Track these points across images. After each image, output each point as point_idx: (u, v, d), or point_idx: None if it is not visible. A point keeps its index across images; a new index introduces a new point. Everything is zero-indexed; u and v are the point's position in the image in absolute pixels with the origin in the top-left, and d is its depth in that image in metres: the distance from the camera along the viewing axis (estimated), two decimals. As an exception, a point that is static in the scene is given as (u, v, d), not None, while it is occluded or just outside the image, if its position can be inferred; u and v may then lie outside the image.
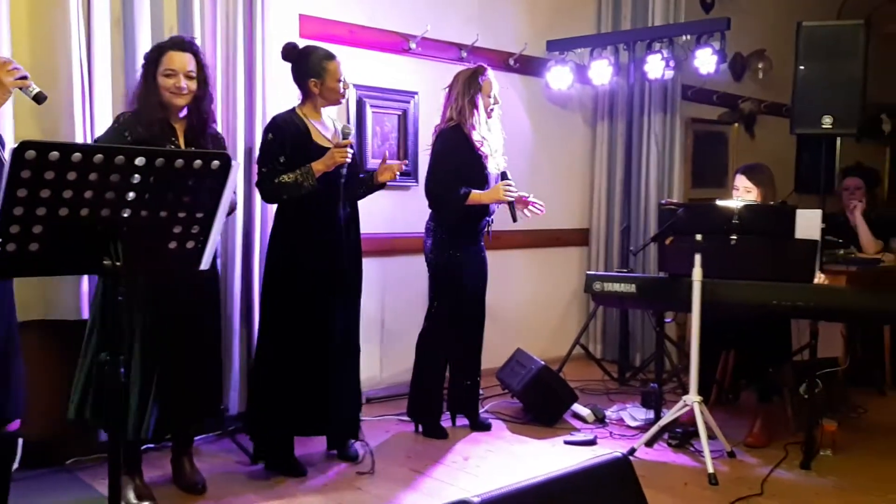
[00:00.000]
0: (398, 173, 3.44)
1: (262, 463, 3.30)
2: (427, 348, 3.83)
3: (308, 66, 3.25)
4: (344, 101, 3.37)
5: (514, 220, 3.75)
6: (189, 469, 3.11)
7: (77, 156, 1.75)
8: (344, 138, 3.24)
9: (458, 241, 3.72)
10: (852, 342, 4.41)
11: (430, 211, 3.81)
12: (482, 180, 3.71)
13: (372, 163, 4.36)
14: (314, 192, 3.16)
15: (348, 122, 4.28)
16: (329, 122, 3.39)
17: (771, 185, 4.01)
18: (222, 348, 3.58)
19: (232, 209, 3.24)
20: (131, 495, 2.89)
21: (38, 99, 2.35)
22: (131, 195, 1.86)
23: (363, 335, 3.58)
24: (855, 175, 5.13)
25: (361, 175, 3.49)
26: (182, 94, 2.86)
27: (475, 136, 3.65)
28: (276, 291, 3.26)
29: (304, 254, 3.22)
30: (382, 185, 3.47)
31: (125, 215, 1.87)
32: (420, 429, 3.87)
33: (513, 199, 3.68)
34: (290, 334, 3.23)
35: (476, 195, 3.64)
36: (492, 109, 3.73)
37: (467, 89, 3.66)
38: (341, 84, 3.27)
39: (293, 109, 3.30)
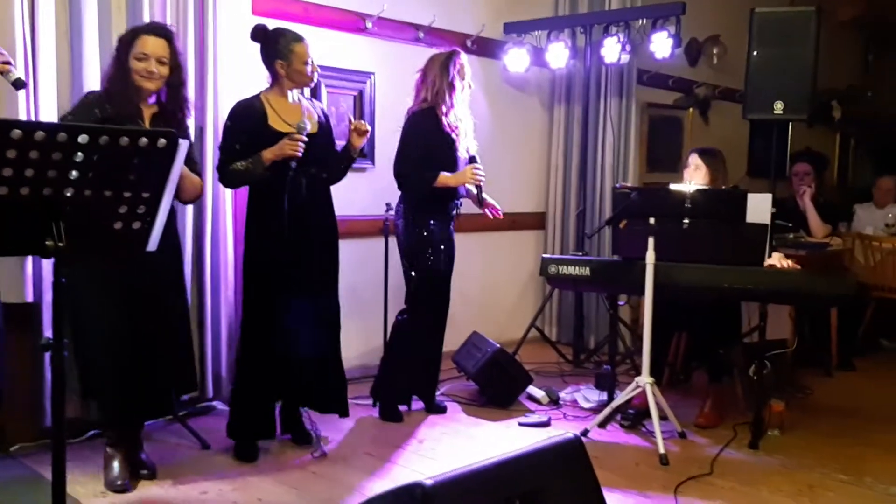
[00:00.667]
0: (366, 131, 3.36)
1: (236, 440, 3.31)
2: (404, 332, 3.80)
3: (276, 48, 3.20)
4: (313, 84, 3.32)
5: (480, 204, 3.74)
6: (140, 455, 3.06)
7: (17, 133, 1.70)
8: (298, 132, 3.17)
9: (428, 223, 3.69)
10: (800, 324, 4.51)
11: (399, 193, 3.78)
12: (452, 163, 3.68)
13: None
14: (272, 180, 3.13)
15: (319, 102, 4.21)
16: (302, 105, 3.32)
17: (723, 169, 4.07)
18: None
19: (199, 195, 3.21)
20: (112, 473, 2.90)
21: (17, 84, 2.36)
22: (74, 174, 1.81)
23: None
24: (804, 160, 5.23)
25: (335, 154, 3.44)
26: (152, 78, 2.84)
27: (449, 119, 3.64)
28: (246, 274, 3.31)
29: (261, 240, 3.24)
30: (359, 152, 3.43)
31: (68, 194, 1.82)
32: (378, 409, 3.86)
33: (481, 181, 3.66)
34: (259, 315, 3.25)
35: (444, 178, 3.62)
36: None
37: (446, 72, 3.64)
38: (309, 66, 3.23)
39: (258, 94, 3.26)
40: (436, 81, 3.65)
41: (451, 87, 3.65)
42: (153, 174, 1.92)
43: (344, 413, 3.50)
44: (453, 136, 3.68)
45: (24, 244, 1.92)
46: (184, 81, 2.99)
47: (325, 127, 3.36)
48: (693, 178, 3.96)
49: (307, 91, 3.43)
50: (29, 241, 1.86)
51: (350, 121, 3.39)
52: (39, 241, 1.82)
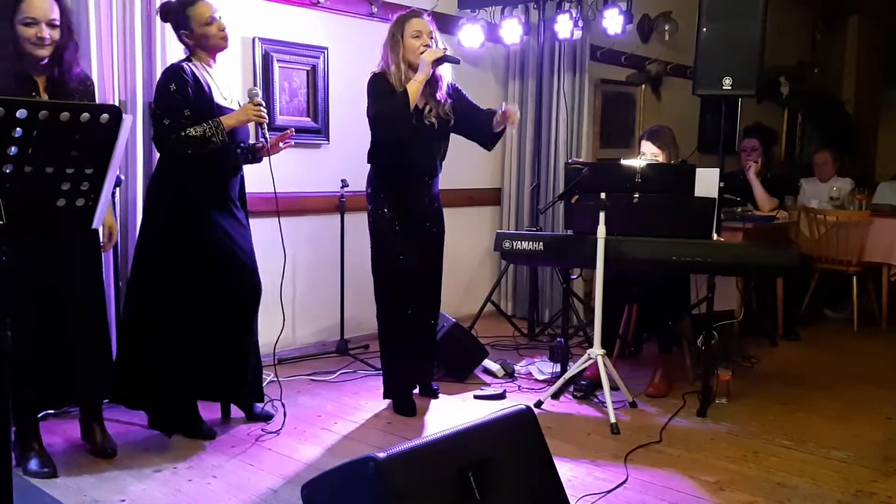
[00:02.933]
0: (285, 142, 3.28)
1: (158, 430, 3.19)
2: (385, 322, 3.64)
3: (176, 19, 3.08)
4: (226, 44, 3.13)
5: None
6: (100, 435, 3.03)
7: (-49, 108, 1.65)
8: (250, 100, 3.09)
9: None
10: (747, 295, 4.63)
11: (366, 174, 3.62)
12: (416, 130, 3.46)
13: (281, 119, 4.27)
14: (211, 156, 3.03)
15: (254, 79, 4.16)
16: (223, 83, 3.21)
17: (674, 146, 4.15)
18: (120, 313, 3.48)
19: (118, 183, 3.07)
20: (33, 464, 2.81)
21: None
22: (13, 150, 1.77)
23: (272, 296, 3.51)
24: (752, 136, 5.33)
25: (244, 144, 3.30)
26: (45, 44, 2.63)
27: (394, 80, 3.41)
28: (152, 255, 3.11)
29: (182, 214, 3.09)
30: (260, 160, 3.31)
31: (7, 171, 1.78)
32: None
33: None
34: (165, 294, 3.10)
35: (414, 87, 3.34)
36: (423, 52, 3.37)
37: (389, 35, 3.46)
38: (213, 27, 3.05)
39: (188, 59, 3.10)
40: (384, 47, 3.48)
41: (393, 46, 3.43)
42: (96, 150, 1.89)
43: (259, 399, 3.42)
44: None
45: (-36, 222, 1.87)
46: (76, 43, 2.77)
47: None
48: None
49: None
50: (-32, 219, 1.82)
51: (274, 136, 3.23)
52: (-21, 219, 1.79)
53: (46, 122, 1.77)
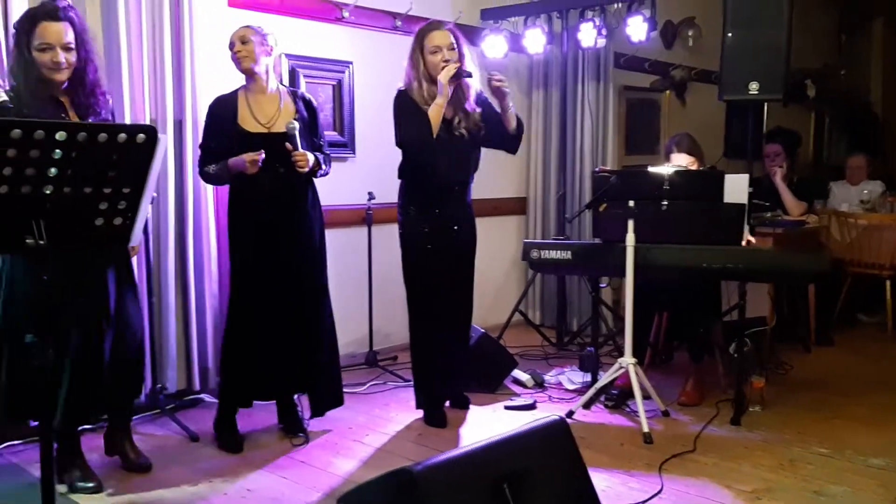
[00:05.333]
0: (306, 164, 3.24)
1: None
2: (416, 334, 3.66)
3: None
4: (241, 69, 3.20)
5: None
6: (130, 450, 3.06)
7: (-7, 131, 1.69)
8: (289, 138, 3.15)
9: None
10: (779, 302, 4.58)
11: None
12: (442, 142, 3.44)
13: (307, 134, 4.31)
14: (264, 173, 3.15)
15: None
16: (287, 101, 3.29)
17: (699, 151, 4.14)
18: (154, 329, 3.53)
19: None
20: (77, 479, 2.84)
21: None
22: (53, 171, 1.80)
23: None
24: (774, 141, 5.27)
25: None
26: (61, 69, 2.65)
27: (422, 96, 3.40)
28: (234, 268, 3.34)
29: (237, 233, 3.29)
30: (315, 175, 3.35)
31: (47, 192, 1.81)
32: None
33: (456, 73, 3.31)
34: (246, 308, 3.28)
35: (434, 111, 3.33)
36: (444, 66, 3.34)
37: (410, 52, 3.45)
38: (233, 51, 3.19)
39: (237, 90, 3.26)
40: (407, 62, 3.47)
41: (414, 63, 3.43)
42: (133, 169, 1.92)
43: (339, 402, 3.52)
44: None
45: (5, 242, 1.91)
46: (92, 63, 2.75)
47: (303, 119, 3.29)
48: None
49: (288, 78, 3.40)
50: (10, 240, 1.85)
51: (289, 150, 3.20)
52: (20, 239, 1.82)
53: (85, 144, 1.80)
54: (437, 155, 3.40)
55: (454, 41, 3.41)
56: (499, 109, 3.57)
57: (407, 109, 3.40)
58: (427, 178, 3.48)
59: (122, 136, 1.86)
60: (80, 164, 1.82)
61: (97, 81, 2.78)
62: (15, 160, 1.73)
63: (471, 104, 3.48)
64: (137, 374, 3.02)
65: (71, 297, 2.62)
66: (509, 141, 3.62)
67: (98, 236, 1.97)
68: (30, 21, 2.63)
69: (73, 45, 2.67)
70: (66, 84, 2.71)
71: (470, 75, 3.41)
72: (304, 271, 3.34)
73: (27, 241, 1.81)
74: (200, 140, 3.31)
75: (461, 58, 3.41)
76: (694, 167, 4.02)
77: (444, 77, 3.31)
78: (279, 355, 3.31)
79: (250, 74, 3.21)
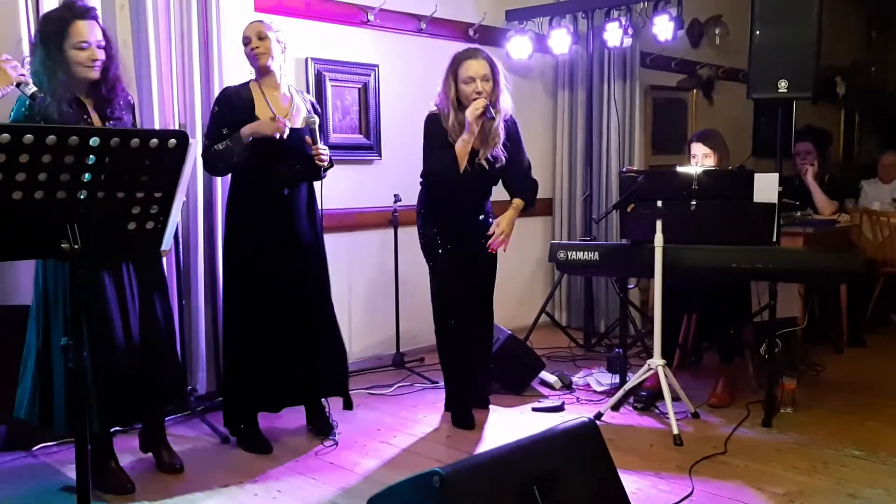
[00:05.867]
0: (322, 156, 3.25)
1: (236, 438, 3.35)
2: (441, 337, 3.67)
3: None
4: (259, 65, 3.18)
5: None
6: (164, 450, 3.10)
7: (29, 137, 1.71)
8: (309, 132, 3.19)
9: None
10: (810, 302, 4.52)
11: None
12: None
13: (334, 137, 4.33)
14: (260, 169, 3.13)
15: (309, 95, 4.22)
16: (297, 99, 3.31)
17: (725, 149, 4.10)
18: (185, 331, 3.56)
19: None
20: (111, 482, 2.88)
21: (34, 97, 2.38)
22: (87, 176, 1.82)
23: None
24: (805, 139, 5.21)
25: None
26: (96, 67, 2.69)
27: (445, 121, 3.41)
28: (232, 269, 3.28)
29: (250, 231, 3.22)
30: (321, 177, 3.34)
31: (81, 197, 1.84)
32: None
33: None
34: (249, 309, 3.24)
35: (461, 147, 3.36)
36: (475, 99, 3.32)
37: (445, 74, 3.43)
38: (248, 47, 3.19)
39: (247, 82, 3.25)
40: (442, 83, 3.44)
41: (445, 92, 3.41)
42: (165, 174, 1.94)
43: (347, 400, 3.50)
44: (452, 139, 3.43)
45: (40, 247, 1.94)
46: (115, 59, 2.78)
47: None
48: (704, 165, 3.97)
49: (296, 81, 3.39)
50: (45, 244, 1.88)
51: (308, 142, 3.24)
52: (55, 244, 1.85)
53: (118, 149, 1.82)
54: (459, 186, 3.43)
55: (490, 71, 3.38)
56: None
57: (436, 138, 3.42)
58: (444, 196, 3.53)
59: (154, 141, 1.88)
60: (114, 169, 1.85)
61: (119, 77, 2.81)
62: (50, 166, 1.75)
63: (498, 133, 3.44)
64: (172, 377, 3.03)
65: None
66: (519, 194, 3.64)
67: (130, 240, 2.00)
68: (61, 21, 2.65)
69: (104, 44, 2.72)
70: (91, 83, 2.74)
71: (493, 118, 3.37)
72: (312, 270, 3.34)
73: (62, 245, 1.83)
74: (204, 134, 3.22)
75: (496, 85, 3.39)
76: (710, 159, 3.98)
77: (471, 115, 3.29)
78: (295, 359, 3.30)
79: (266, 72, 3.21)
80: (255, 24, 3.22)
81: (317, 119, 3.27)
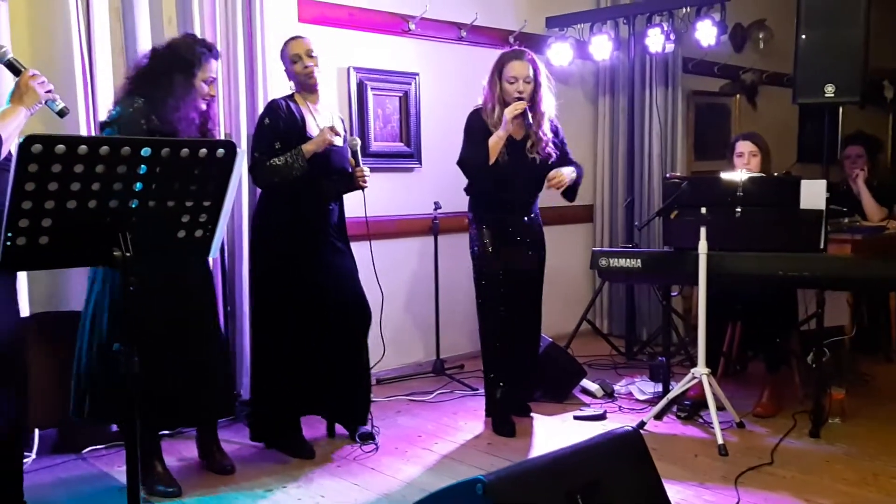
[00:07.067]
0: (365, 177, 3.33)
1: (263, 443, 3.38)
2: (485, 344, 3.69)
3: (282, 54, 3.29)
4: (310, 82, 3.25)
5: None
6: (218, 453, 3.17)
7: (83, 148, 1.76)
8: (352, 154, 3.25)
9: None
10: (858, 310, 4.43)
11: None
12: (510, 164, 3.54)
13: (375, 145, 4.37)
14: (306, 182, 3.16)
15: (349, 108, 4.26)
16: (329, 118, 3.35)
17: (768, 151, 4.04)
18: (228, 337, 3.61)
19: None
20: (158, 484, 2.93)
21: (62, 113, 2.40)
22: (138, 186, 1.87)
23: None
24: (856, 143, 5.11)
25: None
26: (211, 102, 2.95)
27: (488, 117, 3.51)
28: (264, 278, 3.31)
29: (285, 247, 3.24)
30: (361, 188, 3.38)
31: (133, 206, 1.88)
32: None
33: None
34: (282, 318, 3.26)
35: (494, 141, 3.43)
36: (518, 98, 3.41)
37: (490, 73, 3.52)
38: (299, 65, 3.21)
39: (291, 95, 3.29)
40: (487, 81, 3.54)
41: (491, 90, 3.51)
42: (213, 183, 1.98)
43: (363, 422, 3.48)
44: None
45: (93, 255, 1.98)
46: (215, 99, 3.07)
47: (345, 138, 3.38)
48: (749, 165, 3.92)
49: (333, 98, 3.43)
50: (97, 252, 1.93)
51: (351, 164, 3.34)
52: (107, 252, 1.89)
53: (168, 159, 1.87)
54: (498, 177, 3.48)
55: (532, 73, 3.46)
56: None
57: (475, 131, 3.53)
58: (493, 197, 3.57)
59: (203, 151, 1.92)
60: (164, 178, 1.89)
61: (214, 117, 3.07)
62: (103, 175, 1.80)
63: (543, 130, 3.53)
64: (222, 389, 3.10)
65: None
66: (564, 193, 3.67)
67: (180, 248, 2.04)
68: (199, 57, 2.87)
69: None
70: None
71: (530, 125, 3.46)
72: (349, 282, 3.38)
73: (114, 253, 1.88)
74: (252, 146, 3.26)
75: (538, 87, 3.48)
76: (757, 158, 3.94)
77: (508, 114, 3.39)
78: (320, 371, 3.31)
79: (316, 90, 3.28)
80: (303, 42, 3.25)
81: (358, 141, 3.35)
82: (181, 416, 3.01)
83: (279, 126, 3.17)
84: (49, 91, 2.36)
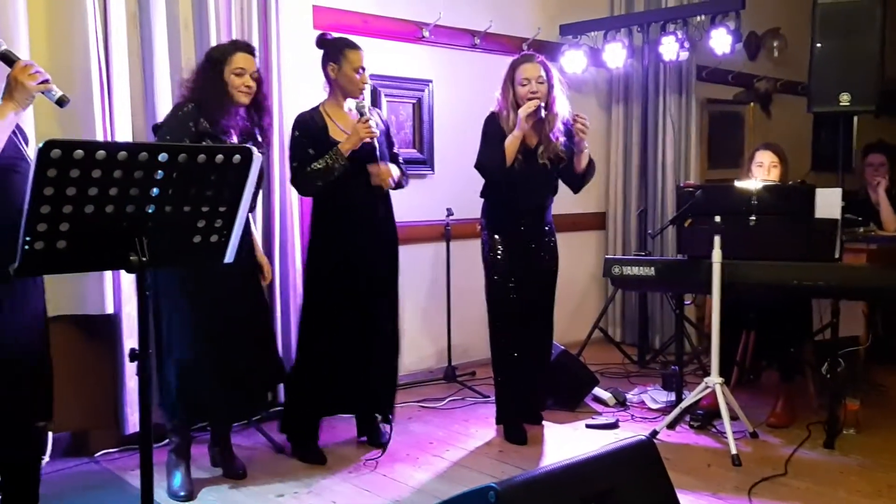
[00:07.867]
0: (391, 179, 3.32)
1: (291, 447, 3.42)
2: (496, 351, 3.67)
3: (331, 51, 3.29)
4: (360, 94, 3.31)
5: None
6: (229, 457, 3.19)
7: (101, 153, 1.77)
8: (360, 115, 3.24)
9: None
10: (873, 320, 4.39)
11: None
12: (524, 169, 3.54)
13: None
14: (348, 184, 3.20)
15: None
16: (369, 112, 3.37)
17: (788, 163, 4.02)
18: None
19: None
20: (176, 484, 2.97)
21: (61, 102, 2.34)
22: (155, 191, 1.88)
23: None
24: (879, 151, 5.07)
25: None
26: (248, 92, 2.99)
27: (504, 122, 3.52)
28: (314, 282, 3.36)
29: (339, 246, 3.29)
30: (400, 186, 3.46)
31: (150, 211, 1.89)
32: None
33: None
34: (328, 323, 3.31)
35: (510, 141, 3.44)
36: (531, 99, 3.44)
37: (503, 79, 3.56)
38: (358, 75, 3.26)
39: (317, 106, 3.32)
40: (501, 87, 3.57)
41: (504, 93, 3.54)
42: (229, 189, 1.98)
43: (385, 419, 3.50)
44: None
45: (110, 259, 1.99)
46: (267, 93, 3.16)
47: (384, 133, 3.40)
48: (769, 176, 3.90)
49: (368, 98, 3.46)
50: (114, 257, 1.93)
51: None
52: (124, 256, 1.90)
53: (185, 165, 1.88)
54: (513, 180, 3.49)
55: (544, 74, 3.49)
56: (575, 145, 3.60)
57: (491, 135, 3.54)
58: (507, 200, 3.58)
59: (220, 156, 1.93)
60: (181, 184, 1.90)
61: (269, 109, 3.17)
62: (121, 181, 1.81)
63: (555, 134, 3.54)
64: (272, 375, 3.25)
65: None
66: (574, 179, 3.66)
67: (195, 253, 2.05)
68: (224, 51, 3.00)
69: (256, 75, 3.03)
70: (239, 111, 3.02)
71: (543, 118, 3.48)
72: (386, 283, 3.42)
73: (131, 258, 1.89)
74: (290, 159, 3.30)
75: (550, 89, 3.49)
76: (777, 169, 3.92)
77: (522, 112, 3.42)
78: (359, 368, 3.35)
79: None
80: (361, 54, 3.28)
81: (365, 102, 3.31)
82: (244, 411, 3.23)
83: (309, 133, 3.24)
84: (44, 81, 2.29)
